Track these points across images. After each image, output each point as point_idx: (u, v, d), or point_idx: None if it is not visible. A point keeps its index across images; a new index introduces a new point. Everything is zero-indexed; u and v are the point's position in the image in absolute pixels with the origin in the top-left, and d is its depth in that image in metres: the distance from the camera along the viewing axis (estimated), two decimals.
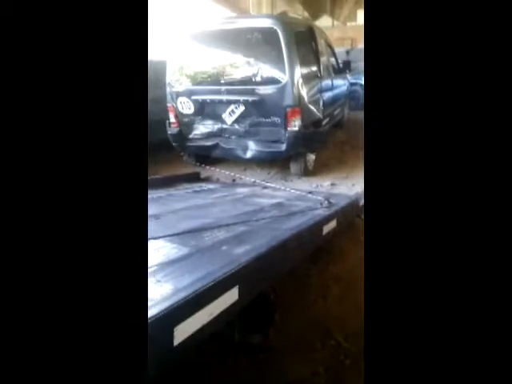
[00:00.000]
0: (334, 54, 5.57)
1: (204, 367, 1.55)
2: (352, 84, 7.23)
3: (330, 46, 5.39)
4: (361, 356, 1.58)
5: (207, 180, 3.99)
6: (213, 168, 4.20)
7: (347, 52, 8.63)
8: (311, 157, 4.16)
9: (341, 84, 5.65)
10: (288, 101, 3.52)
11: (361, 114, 7.17)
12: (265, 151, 3.79)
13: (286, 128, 3.58)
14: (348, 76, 6.31)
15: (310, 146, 3.97)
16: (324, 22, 15.63)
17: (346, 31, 15.85)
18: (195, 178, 3.85)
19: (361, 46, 9.88)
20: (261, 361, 1.55)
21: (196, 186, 3.36)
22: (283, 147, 3.63)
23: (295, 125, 3.55)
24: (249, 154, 3.84)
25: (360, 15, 17.35)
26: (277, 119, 3.62)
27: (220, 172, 4.14)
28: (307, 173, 4.08)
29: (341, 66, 5.68)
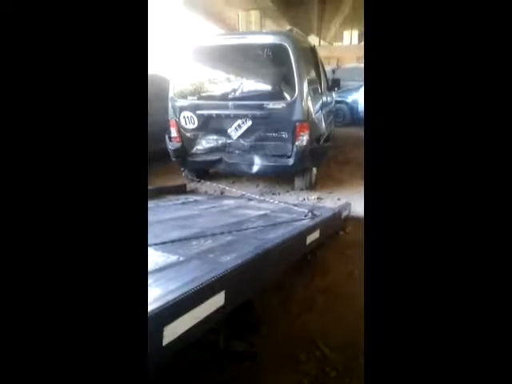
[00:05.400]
0: (324, 72, 5.71)
1: (189, 374, 1.56)
2: (338, 102, 7.42)
3: (322, 64, 5.54)
4: (346, 368, 1.61)
5: (194, 192, 4.02)
6: (208, 182, 4.20)
7: (333, 71, 8.89)
8: (314, 171, 4.18)
9: (330, 101, 5.80)
10: (297, 116, 3.55)
11: (346, 131, 7.36)
12: (272, 165, 3.79)
13: (293, 143, 3.62)
14: (333, 94, 6.49)
15: (316, 160, 4.00)
16: (311, 42, 16.03)
17: (332, 51, 16.34)
18: (182, 189, 3.88)
19: (346, 65, 10.18)
20: (245, 369, 1.57)
21: (183, 198, 3.38)
22: (291, 162, 3.66)
23: (303, 139, 3.59)
24: (255, 169, 3.83)
25: (346, 36, 17.88)
26: (284, 134, 3.64)
27: (210, 185, 4.16)
28: (311, 187, 4.09)
29: (329, 83, 5.85)
